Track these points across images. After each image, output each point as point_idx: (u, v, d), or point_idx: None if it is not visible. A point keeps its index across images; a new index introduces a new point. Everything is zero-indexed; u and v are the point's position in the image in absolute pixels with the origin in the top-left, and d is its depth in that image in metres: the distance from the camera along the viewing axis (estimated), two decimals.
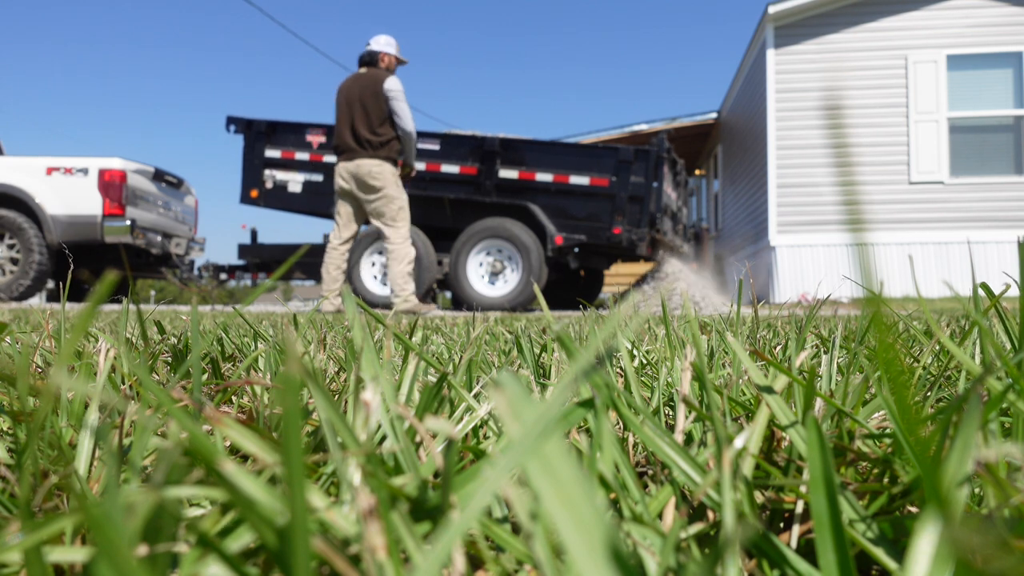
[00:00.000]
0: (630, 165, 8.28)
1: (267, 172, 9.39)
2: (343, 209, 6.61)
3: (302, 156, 9.27)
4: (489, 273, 8.59)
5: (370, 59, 6.57)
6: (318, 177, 9.27)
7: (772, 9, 10.85)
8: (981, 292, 0.84)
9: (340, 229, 6.63)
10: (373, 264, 8.85)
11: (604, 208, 8.42)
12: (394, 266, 6.42)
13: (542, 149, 8.63)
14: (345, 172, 6.43)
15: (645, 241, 8.26)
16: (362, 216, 6.66)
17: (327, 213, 9.35)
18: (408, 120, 6.36)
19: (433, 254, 8.67)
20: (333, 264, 6.61)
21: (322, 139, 9.20)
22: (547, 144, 8.68)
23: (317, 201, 9.33)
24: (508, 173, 8.61)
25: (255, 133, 9.37)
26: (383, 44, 6.63)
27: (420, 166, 8.83)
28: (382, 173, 6.32)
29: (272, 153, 9.35)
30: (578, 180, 8.43)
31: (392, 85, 6.34)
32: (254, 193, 9.47)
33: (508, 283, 8.50)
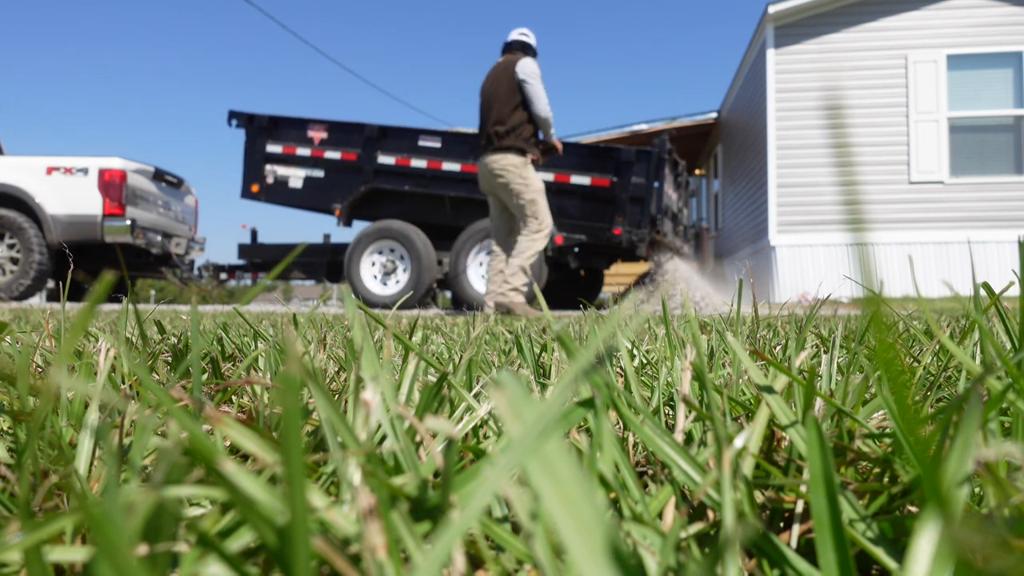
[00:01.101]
0: (631, 166, 8.28)
1: (268, 167, 9.39)
2: (491, 209, 6.37)
3: (303, 152, 9.26)
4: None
5: (512, 46, 6.19)
6: (319, 173, 9.26)
7: (772, 9, 10.85)
8: (982, 292, 0.84)
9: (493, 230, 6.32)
10: (373, 264, 8.84)
11: (605, 208, 8.41)
12: (512, 256, 6.08)
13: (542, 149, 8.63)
14: (482, 169, 6.13)
15: (645, 242, 8.26)
16: (508, 212, 6.30)
17: (327, 209, 9.34)
18: (542, 104, 5.93)
19: (433, 254, 8.67)
20: (494, 268, 6.23)
21: (323, 135, 9.20)
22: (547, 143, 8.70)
23: (318, 197, 9.32)
24: None
25: (257, 128, 9.37)
26: (521, 33, 6.24)
27: (421, 164, 8.82)
28: (504, 166, 5.94)
29: (273, 148, 9.35)
30: (579, 180, 8.43)
31: (526, 67, 5.94)
32: (255, 188, 9.47)
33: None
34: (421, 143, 8.87)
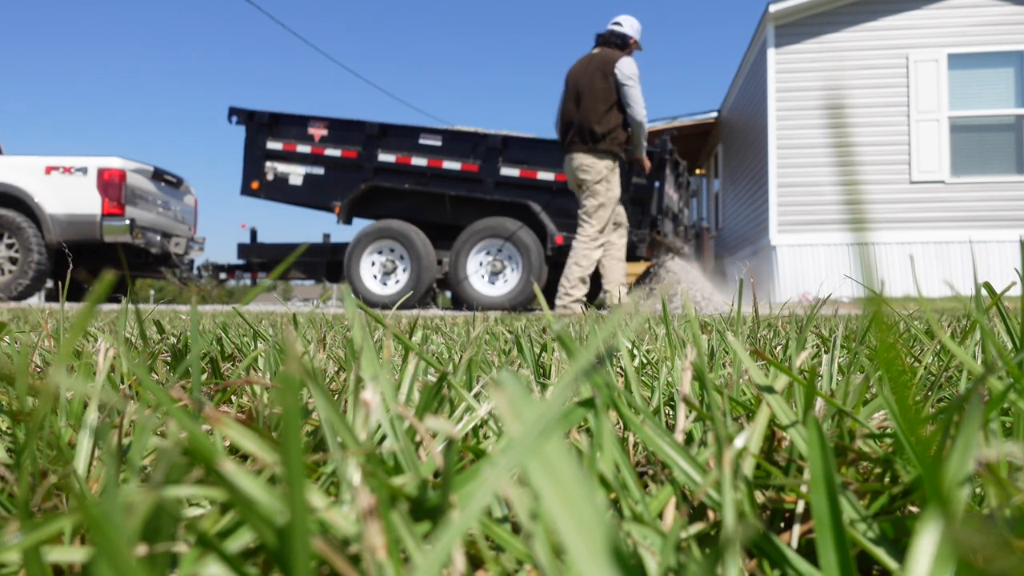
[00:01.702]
0: (632, 166, 8.30)
1: (268, 164, 9.36)
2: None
3: (303, 149, 9.23)
4: (489, 272, 8.58)
5: (608, 38, 5.92)
6: (319, 170, 9.23)
7: (773, 8, 10.84)
8: (983, 292, 0.84)
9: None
10: (373, 264, 8.84)
11: None
12: (571, 265, 5.94)
13: (544, 148, 8.61)
14: (567, 164, 5.94)
15: (645, 243, 8.25)
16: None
17: (327, 206, 9.31)
18: (640, 107, 5.73)
19: (433, 253, 8.67)
20: (574, 268, 5.98)
21: (323, 132, 9.17)
22: (549, 143, 8.68)
23: (318, 194, 9.29)
24: (509, 171, 8.58)
25: (257, 125, 9.35)
26: (630, 26, 5.98)
27: (421, 162, 8.82)
28: (593, 167, 5.78)
29: (274, 145, 9.32)
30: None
31: (626, 68, 5.71)
32: (255, 185, 9.44)
33: (508, 282, 8.50)
34: (422, 141, 8.87)
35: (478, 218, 8.63)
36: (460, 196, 8.77)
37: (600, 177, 5.83)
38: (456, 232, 8.77)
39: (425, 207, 8.99)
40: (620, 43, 5.93)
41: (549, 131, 8.74)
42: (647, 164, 6.23)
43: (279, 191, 9.43)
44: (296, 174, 9.32)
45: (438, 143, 8.86)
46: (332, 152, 9.12)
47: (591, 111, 5.74)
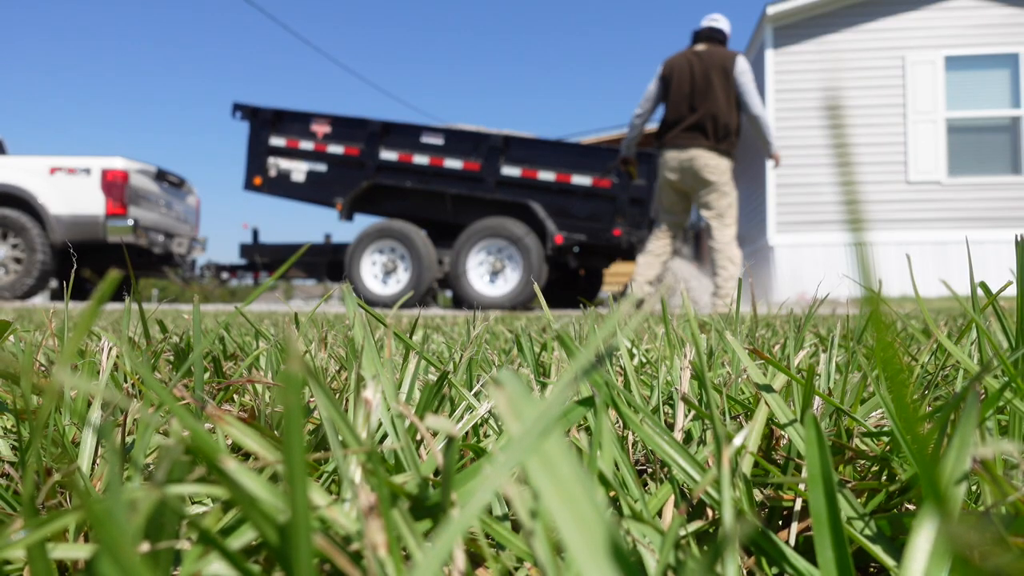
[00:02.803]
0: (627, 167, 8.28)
1: (271, 160, 9.34)
2: (665, 201, 6.00)
3: (306, 146, 9.21)
4: (489, 272, 8.58)
5: (711, 35, 5.80)
6: (322, 167, 9.20)
7: (771, 10, 10.85)
8: (980, 291, 0.85)
9: (660, 226, 5.98)
10: (374, 264, 8.84)
11: (605, 209, 8.40)
12: (725, 265, 5.73)
13: (545, 148, 8.60)
14: (675, 162, 5.74)
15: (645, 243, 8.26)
16: (685, 210, 5.98)
17: (329, 202, 9.28)
18: (759, 104, 5.69)
19: (434, 253, 8.66)
20: (644, 268, 5.87)
21: (327, 129, 9.14)
22: (550, 143, 8.66)
23: (320, 191, 9.26)
24: (510, 170, 8.57)
25: (261, 121, 9.31)
26: (726, 24, 5.89)
27: (423, 160, 8.80)
28: (719, 167, 5.69)
29: (277, 141, 9.29)
30: (580, 180, 8.42)
31: (744, 66, 5.65)
32: (257, 181, 9.41)
33: (508, 282, 8.50)
34: (424, 140, 8.85)
35: (479, 217, 8.62)
36: (461, 195, 8.76)
37: (727, 176, 5.76)
38: (457, 230, 8.77)
39: (426, 205, 8.98)
40: (722, 40, 5.86)
41: (547, 130, 8.71)
42: (778, 157, 6.04)
43: (281, 187, 9.40)
44: (299, 170, 9.30)
45: (440, 142, 8.85)
46: (335, 149, 9.10)
47: (717, 109, 5.65)
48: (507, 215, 8.63)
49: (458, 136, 8.87)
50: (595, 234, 8.45)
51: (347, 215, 9.24)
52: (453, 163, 8.78)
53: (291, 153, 9.30)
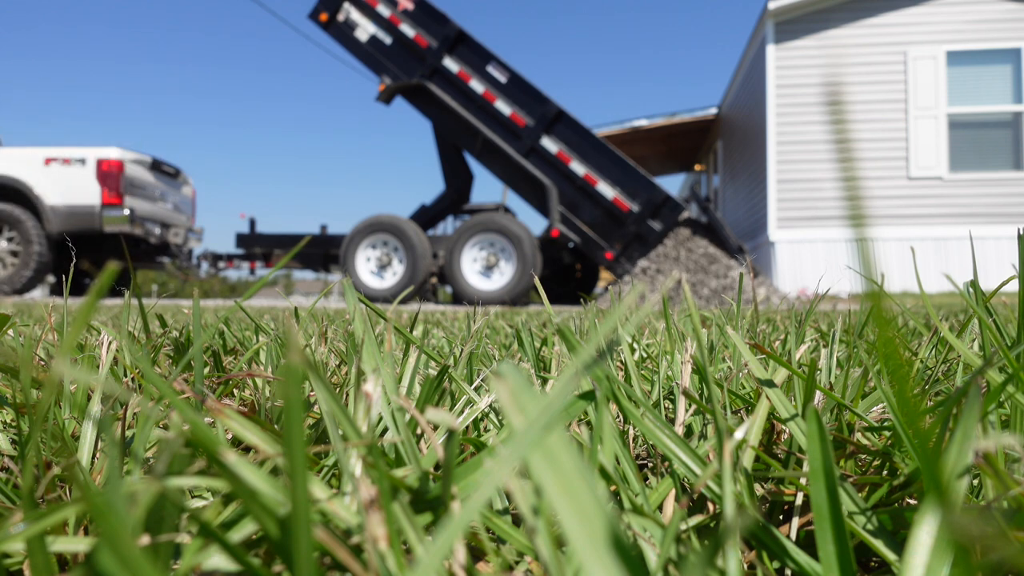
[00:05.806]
0: (657, 208, 8.19)
1: (346, 4, 9.05)
2: None
3: (383, 11, 8.90)
4: (484, 267, 8.55)
5: None
6: (387, 39, 8.92)
7: (772, 5, 10.83)
8: (981, 286, 0.84)
9: None
10: (368, 259, 8.82)
11: (611, 228, 8.32)
12: None
13: (590, 142, 8.43)
14: None
15: (629, 275, 8.22)
16: None
17: (376, 74, 8.95)
18: None
19: (428, 245, 8.62)
20: None
21: (409, 5, 8.79)
22: (598, 141, 8.47)
23: (373, 60, 8.98)
24: (549, 144, 8.42)
25: None
26: None
27: (479, 88, 8.47)
28: None
29: None
30: (604, 189, 8.31)
31: None
32: (324, 16, 9.12)
33: (504, 275, 8.46)
34: (489, 69, 8.57)
35: (496, 168, 8.47)
36: (493, 142, 8.54)
37: None
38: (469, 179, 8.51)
39: (458, 131, 8.75)
40: None
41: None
42: None
43: (342, 35, 9.10)
44: (365, 30, 8.98)
45: (503, 79, 8.57)
46: (406, 29, 8.81)
47: None
48: (522, 183, 8.52)
49: (521, 84, 8.57)
50: (589, 244, 8.38)
51: (386, 98, 9.01)
52: (503, 107, 8.54)
53: (366, 9, 8.97)
